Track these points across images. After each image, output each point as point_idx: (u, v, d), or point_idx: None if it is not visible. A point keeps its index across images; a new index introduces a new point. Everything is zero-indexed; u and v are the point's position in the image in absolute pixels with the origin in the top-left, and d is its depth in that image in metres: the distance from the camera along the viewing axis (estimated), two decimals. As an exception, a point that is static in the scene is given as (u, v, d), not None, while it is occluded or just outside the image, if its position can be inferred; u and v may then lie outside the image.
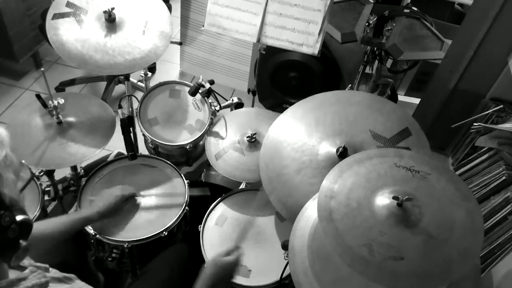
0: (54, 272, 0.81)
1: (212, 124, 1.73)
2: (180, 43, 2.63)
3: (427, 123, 2.40)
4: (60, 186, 1.68)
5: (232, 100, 1.86)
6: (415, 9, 2.04)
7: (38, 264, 0.80)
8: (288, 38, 1.65)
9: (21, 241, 0.69)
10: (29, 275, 0.75)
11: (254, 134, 1.61)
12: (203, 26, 1.72)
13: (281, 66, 2.33)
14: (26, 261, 0.79)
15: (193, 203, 1.57)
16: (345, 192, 1.03)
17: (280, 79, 2.39)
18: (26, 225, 0.70)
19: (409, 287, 0.92)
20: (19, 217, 0.69)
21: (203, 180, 1.95)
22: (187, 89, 1.76)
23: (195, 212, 1.56)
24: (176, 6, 2.83)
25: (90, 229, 1.42)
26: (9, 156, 0.71)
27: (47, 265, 0.80)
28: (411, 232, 0.96)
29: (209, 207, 1.55)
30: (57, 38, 1.56)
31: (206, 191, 1.59)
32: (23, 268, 0.77)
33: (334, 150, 1.30)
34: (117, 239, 1.42)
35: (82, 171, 1.73)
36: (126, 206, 1.47)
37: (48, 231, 1.21)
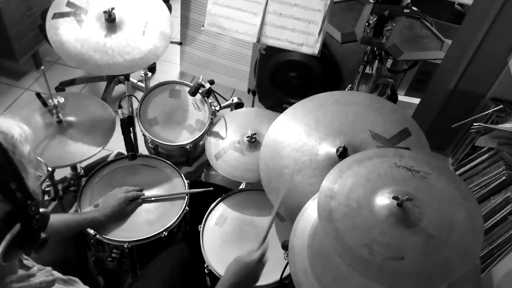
0: (58, 274, 0.82)
1: (212, 124, 1.73)
2: (180, 43, 2.63)
3: (427, 123, 2.40)
4: (60, 186, 1.68)
5: (232, 100, 1.85)
6: (415, 9, 2.04)
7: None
8: (288, 38, 1.65)
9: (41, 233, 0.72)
10: (37, 272, 0.77)
11: (254, 134, 1.61)
12: (203, 26, 1.72)
13: (281, 66, 2.33)
14: (30, 263, 0.80)
15: (193, 203, 1.57)
16: (345, 192, 1.03)
17: (280, 79, 2.39)
18: (46, 217, 0.73)
19: (409, 287, 0.92)
20: (40, 209, 0.72)
21: (203, 180, 1.95)
22: (187, 89, 1.75)
23: (195, 212, 1.56)
24: (176, 6, 2.83)
25: (90, 229, 1.42)
26: (31, 152, 0.74)
27: (50, 268, 0.81)
28: (411, 232, 0.96)
29: (209, 207, 1.55)
30: (57, 38, 1.56)
31: (208, 186, 1.60)
32: (28, 268, 0.78)
33: (334, 150, 1.30)
34: (117, 239, 1.42)
35: (82, 171, 1.73)
36: (130, 208, 1.48)
37: (55, 225, 1.23)
